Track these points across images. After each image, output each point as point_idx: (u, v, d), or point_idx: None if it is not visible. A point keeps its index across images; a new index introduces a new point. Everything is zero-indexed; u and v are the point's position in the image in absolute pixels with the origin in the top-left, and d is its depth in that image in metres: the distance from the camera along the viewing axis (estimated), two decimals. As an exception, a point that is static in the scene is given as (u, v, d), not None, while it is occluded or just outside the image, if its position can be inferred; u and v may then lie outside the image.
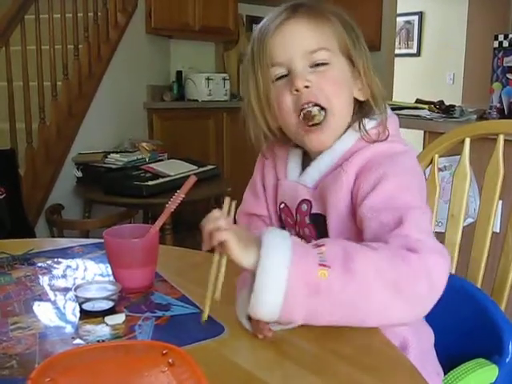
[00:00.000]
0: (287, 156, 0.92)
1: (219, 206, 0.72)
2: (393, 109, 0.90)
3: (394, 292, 0.66)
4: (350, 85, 0.84)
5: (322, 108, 0.81)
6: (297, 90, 0.80)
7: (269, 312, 0.65)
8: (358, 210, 0.77)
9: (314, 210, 0.85)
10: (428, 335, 0.90)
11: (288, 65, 0.81)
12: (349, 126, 0.85)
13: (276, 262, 0.64)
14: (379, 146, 0.82)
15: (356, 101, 0.86)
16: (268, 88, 0.82)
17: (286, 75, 0.82)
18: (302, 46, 0.80)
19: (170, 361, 0.61)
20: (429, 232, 0.73)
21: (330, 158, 0.84)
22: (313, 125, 0.82)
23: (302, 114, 0.81)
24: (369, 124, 0.84)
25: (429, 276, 0.67)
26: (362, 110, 0.86)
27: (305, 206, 0.86)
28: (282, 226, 0.93)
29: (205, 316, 0.70)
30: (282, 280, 0.63)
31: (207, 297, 0.69)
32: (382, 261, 0.67)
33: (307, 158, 0.89)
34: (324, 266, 0.64)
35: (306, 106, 0.81)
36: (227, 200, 0.73)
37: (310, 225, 0.86)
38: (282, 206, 0.91)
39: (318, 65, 0.81)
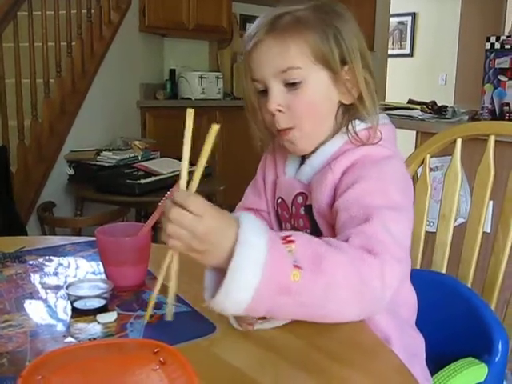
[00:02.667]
0: (287, 154, 0.95)
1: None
2: (385, 109, 0.90)
3: (354, 294, 0.68)
4: (328, 95, 0.85)
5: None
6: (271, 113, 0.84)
7: (233, 307, 0.64)
8: (334, 204, 0.80)
9: (308, 202, 0.88)
10: (417, 341, 0.90)
11: (263, 83, 0.84)
12: (338, 129, 0.86)
13: (251, 260, 0.62)
14: (367, 149, 0.83)
15: (342, 103, 0.86)
16: (253, 99, 0.87)
17: (265, 90, 0.84)
18: (272, 66, 0.82)
19: (162, 359, 0.61)
20: (397, 235, 0.74)
21: (321, 158, 0.87)
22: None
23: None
24: (359, 126, 0.85)
25: (382, 278, 0.70)
26: (349, 112, 0.86)
27: (300, 198, 0.89)
28: (279, 220, 0.96)
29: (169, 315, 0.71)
30: (256, 279, 0.62)
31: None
32: (348, 264, 0.68)
33: (304, 156, 0.92)
34: (297, 267, 0.64)
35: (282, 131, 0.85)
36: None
37: (304, 216, 0.89)
38: (279, 200, 0.95)
39: (291, 84, 0.82)
